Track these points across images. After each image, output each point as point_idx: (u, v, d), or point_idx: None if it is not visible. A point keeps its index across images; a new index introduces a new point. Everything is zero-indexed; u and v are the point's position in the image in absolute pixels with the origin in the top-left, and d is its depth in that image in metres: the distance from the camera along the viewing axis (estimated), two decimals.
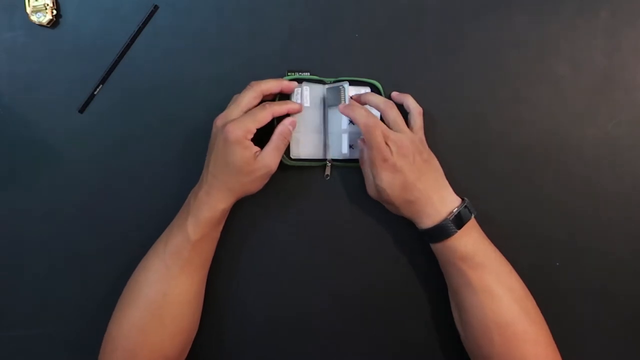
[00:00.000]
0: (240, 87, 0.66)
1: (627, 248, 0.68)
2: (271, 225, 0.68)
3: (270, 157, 0.60)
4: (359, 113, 0.61)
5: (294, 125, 0.62)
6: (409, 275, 0.68)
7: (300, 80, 0.66)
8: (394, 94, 0.67)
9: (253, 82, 0.61)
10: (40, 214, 0.67)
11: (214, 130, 0.60)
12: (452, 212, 0.60)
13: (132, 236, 0.67)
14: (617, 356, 0.68)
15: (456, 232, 0.59)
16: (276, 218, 0.67)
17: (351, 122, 0.66)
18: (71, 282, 0.67)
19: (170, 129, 0.67)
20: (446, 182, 0.62)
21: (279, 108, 0.61)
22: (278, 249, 0.68)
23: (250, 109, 0.60)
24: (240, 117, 0.58)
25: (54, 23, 0.66)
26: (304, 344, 0.68)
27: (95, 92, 0.67)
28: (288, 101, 0.63)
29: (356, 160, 0.67)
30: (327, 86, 0.66)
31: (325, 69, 0.67)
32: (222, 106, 0.66)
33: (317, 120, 0.66)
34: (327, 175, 0.67)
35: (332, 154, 0.66)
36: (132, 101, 0.67)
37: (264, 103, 0.61)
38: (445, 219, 0.60)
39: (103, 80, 0.67)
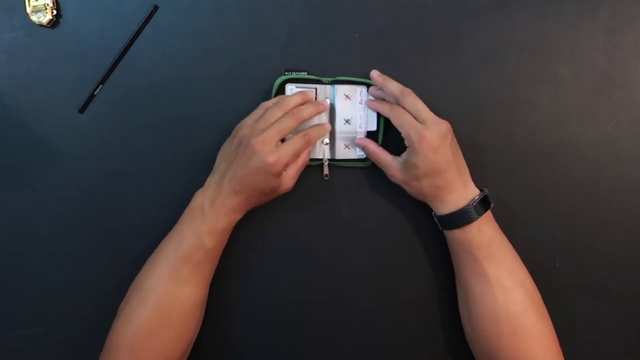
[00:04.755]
0: (240, 87, 0.67)
1: (627, 248, 0.68)
2: (270, 225, 0.68)
3: (291, 180, 0.63)
4: (381, 105, 0.64)
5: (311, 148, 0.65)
6: (410, 275, 0.68)
7: (297, 80, 0.66)
8: (373, 72, 0.66)
9: (295, 111, 0.62)
10: (40, 214, 0.67)
11: (247, 150, 0.59)
12: (475, 198, 0.60)
13: (132, 236, 0.67)
14: (617, 356, 0.68)
15: (477, 218, 0.60)
16: (275, 218, 0.67)
17: (347, 121, 0.66)
18: (71, 282, 0.67)
19: (170, 128, 0.67)
20: (468, 171, 0.63)
21: (316, 135, 0.64)
22: (277, 249, 0.68)
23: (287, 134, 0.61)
24: (283, 151, 0.60)
25: (54, 23, 0.66)
26: (303, 344, 0.68)
27: (95, 92, 0.67)
28: (319, 125, 0.65)
29: (356, 160, 0.67)
30: (340, 87, 0.66)
31: (325, 69, 0.67)
32: (222, 106, 0.67)
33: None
34: (327, 175, 0.67)
35: (339, 155, 0.67)
36: (132, 101, 0.67)
37: (305, 132, 0.62)
38: (468, 204, 0.60)
39: (103, 80, 0.67)
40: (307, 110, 0.63)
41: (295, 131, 0.63)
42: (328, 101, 0.66)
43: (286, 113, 0.62)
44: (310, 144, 0.63)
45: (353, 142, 0.66)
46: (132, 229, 0.67)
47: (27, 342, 0.67)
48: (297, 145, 0.61)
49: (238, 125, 0.63)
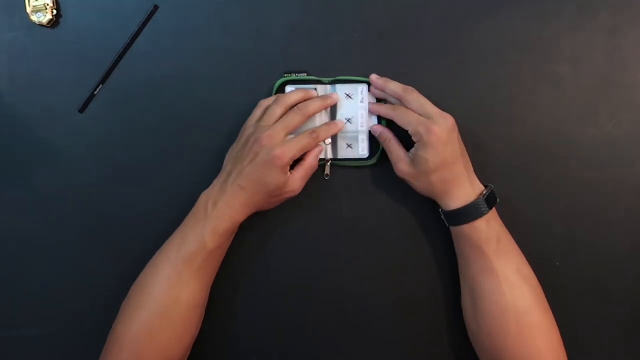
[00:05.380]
0: (240, 87, 0.67)
1: (627, 248, 0.67)
2: (272, 224, 0.68)
3: (299, 183, 0.62)
4: (384, 108, 0.64)
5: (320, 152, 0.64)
6: (412, 273, 0.68)
7: (297, 82, 0.66)
8: (373, 77, 0.66)
9: (301, 106, 0.62)
10: (40, 214, 0.67)
11: (255, 147, 0.59)
12: (483, 193, 0.61)
13: (133, 236, 0.67)
14: (617, 356, 0.68)
15: (487, 212, 0.60)
16: (277, 217, 0.67)
17: (349, 120, 0.66)
18: (71, 282, 0.67)
19: (170, 128, 0.67)
20: (472, 167, 0.63)
21: (325, 134, 0.63)
22: (279, 249, 0.68)
23: (292, 127, 0.61)
24: (290, 145, 0.60)
25: (54, 23, 0.66)
26: (305, 342, 0.68)
27: (95, 92, 0.67)
28: (329, 123, 0.65)
29: (355, 160, 0.67)
30: (340, 86, 0.66)
31: (325, 69, 0.67)
32: (222, 106, 0.67)
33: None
34: (327, 175, 0.67)
35: (341, 154, 0.67)
36: (132, 101, 0.67)
37: (314, 130, 0.62)
38: (478, 199, 0.60)
39: (103, 80, 0.67)
40: (313, 106, 0.63)
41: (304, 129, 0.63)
42: (337, 94, 0.66)
43: (292, 109, 0.62)
44: (317, 141, 0.62)
45: (355, 141, 0.66)
46: (132, 228, 0.67)
47: (27, 342, 0.67)
48: (304, 141, 0.61)
49: (243, 127, 0.63)
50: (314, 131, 0.62)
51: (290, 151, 0.59)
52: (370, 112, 0.66)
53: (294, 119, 0.61)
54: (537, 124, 0.68)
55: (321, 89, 0.66)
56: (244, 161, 0.60)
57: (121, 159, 0.67)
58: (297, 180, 0.62)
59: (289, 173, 0.61)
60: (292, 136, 0.61)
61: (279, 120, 0.61)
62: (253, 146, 0.60)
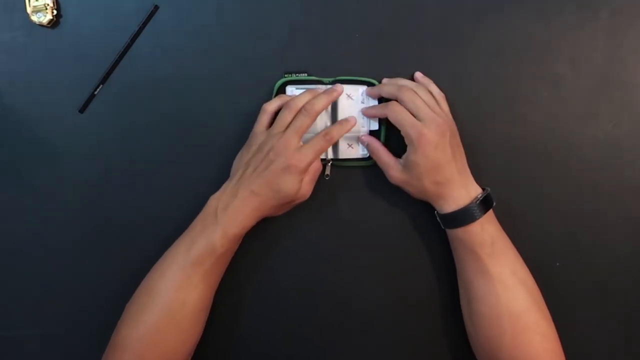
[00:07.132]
0: (240, 87, 0.67)
1: (628, 248, 0.67)
2: (272, 225, 0.68)
3: (308, 187, 0.62)
4: (376, 109, 0.64)
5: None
6: (412, 274, 0.68)
7: (298, 82, 0.66)
8: (418, 74, 0.66)
9: (307, 106, 0.61)
10: (40, 214, 0.67)
11: (271, 154, 0.59)
12: (477, 197, 0.60)
13: (133, 236, 0.67)
14: (617, 356, 0.68)
15: (480, 216, 0.60)
16: (277, 218, 0.67)
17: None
18: (71, 282, 0.67)
19: (170, 128, 0.67)
20: (469, 170, 0.63)
21: (338, 133, 0.62)
22: (279, 249, 0.68)
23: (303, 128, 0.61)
24: (306, 151, 0.60)
25: (54, 23, 0.66)
26: (304, 342, 0.68)
27: (95, 92, 0.67)
28: (341, 121, 0.64)
29: (356, 160, 0.67)
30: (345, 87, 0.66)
31: (325, 69, 0.67)
32: (222, 106, 0.67)
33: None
34: (327, 175, 0.67)
35: (342, 154, 0.66)
36: (132, 101, 0.67)
37: (326, 131, 0.61)
38: (472, 203, 0.60)
39: (103, 80, 0.67)
40: (319, 103, 0.62)
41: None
42: (340, 85, 0.64)
43: (299, 111, 0.62)
44: (332, 142, 0.62)
45: (356, 141, 0.66)
46: (132, 229, 0.67)
47: (27, 342, 0.67)
48: (319, 144, 0.61)
49: (251, 133, 0.63)
50: (327, 132, 0.62)
51: (307, 157, 0.59)
52: (365, 115, 0.65)
53: (303, 121, 0.61)
54: (537, 124, 0.68)
55: (322, 90, 0.66)
56: (258, 167, 0.60)
57: (121, 158, 0.67)
58: (306, 184, 0.62)
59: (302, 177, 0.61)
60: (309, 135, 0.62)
61: (289, 125, 0.61)
62: (268, 154, 0.60)
